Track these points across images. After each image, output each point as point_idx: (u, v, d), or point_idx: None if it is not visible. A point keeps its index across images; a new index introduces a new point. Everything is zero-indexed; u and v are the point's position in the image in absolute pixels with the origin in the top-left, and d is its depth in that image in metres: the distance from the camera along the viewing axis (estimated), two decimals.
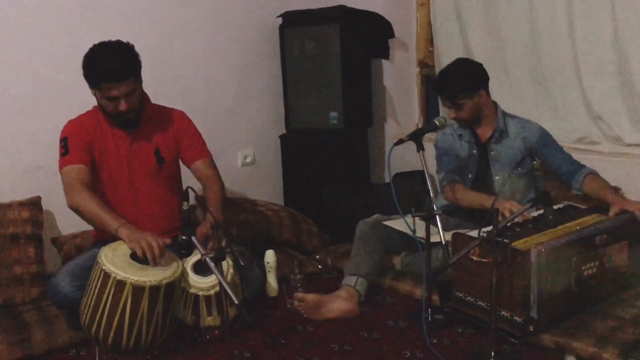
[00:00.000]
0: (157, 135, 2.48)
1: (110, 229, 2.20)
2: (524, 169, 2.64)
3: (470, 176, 2.70)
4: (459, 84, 2.55)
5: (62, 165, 2.35)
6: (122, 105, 2.27)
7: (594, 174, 2.56)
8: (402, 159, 3.19)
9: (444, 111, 3.38)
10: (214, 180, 2.53)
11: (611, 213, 2.35)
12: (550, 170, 2.67)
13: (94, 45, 2.29)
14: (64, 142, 2.36)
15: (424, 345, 2.11)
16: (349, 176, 3.48)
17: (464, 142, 2.70)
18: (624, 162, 2.80)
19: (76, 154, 2.34)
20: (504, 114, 2.70)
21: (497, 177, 2.65)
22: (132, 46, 2.31)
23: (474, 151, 2.69)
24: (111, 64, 2.21)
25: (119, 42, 2.30)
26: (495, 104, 2.69)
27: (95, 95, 2.32)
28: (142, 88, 2.38)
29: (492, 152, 2.65)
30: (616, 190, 2.64)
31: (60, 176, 2.36)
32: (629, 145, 2.87)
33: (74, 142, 2.35)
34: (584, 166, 2.60)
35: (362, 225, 2.66)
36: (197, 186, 2.54)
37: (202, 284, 2.26)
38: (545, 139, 2.65)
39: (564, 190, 2.68)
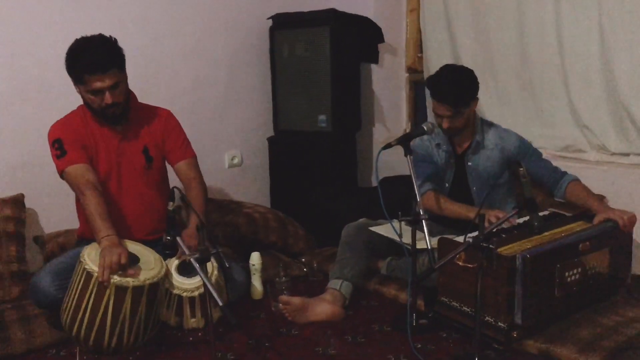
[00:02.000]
0: (145, 134, 2.47)
1: (96, 237, 2.18)
2: (502, 179, 2.63)
3: (447, 185, 2.70)
4: (466, 92, 2.50)
5: (62, 167, 2.31)
6: (107, 98, 2.25)
7: (576, 181, 2.57)
8: (389, 163, 3.19)
9: (431, 116, 3.39)
10: (196, 181, 2.51)
11: (596, 221, 2.37)
12: (532, 179, 2.66)
13: (76, 39, 2.27)
14: (58, 143, 2.32)
15: (409, 350, 2.11)
16: (336, 179, 3.48)
17: (442, 151, 2.69)
18: (609, 171, 2.83)
19: (75, 153, 2.31)
20: (483, 122, 2.68)
21: (474, 188, 2.65)
22: (115, 40, 2.30)
23: (451, 161, 2.68)
24: (94, 55, 2.20)
25: (101, 36, 2.29)
26: (475, 113, 2.67)
27: (80, 92, 2.30)
28: (127, 83, 2.36)
29: (469, 164, 2.64)
30: (600, 198, 2.66)
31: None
32: (614, 154, 2.90)
33: (70, 142, 2.32)
34: (565, 173, 2.61)
35: (348, 229, 2.65)
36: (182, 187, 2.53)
37: (186, 285, 2.24)
38: (524, 149, 2.64)
39: (550, 197, 2.70)
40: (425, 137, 2.66)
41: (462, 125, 2.57)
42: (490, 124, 2.72)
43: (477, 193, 2.65)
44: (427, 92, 2.90)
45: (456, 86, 2.50)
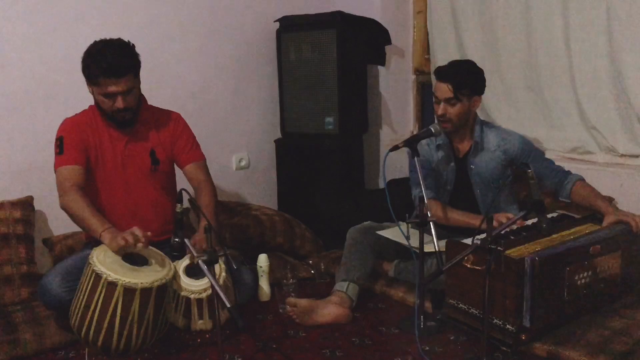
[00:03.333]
0: (153, 137, 2.48)
1: (94, 233, 2.19)
2: (504, 180, 2.61)
3: (449, 188, 2.68)
4: (469, 76, 2.52)
5: (56, 165, 2.34)
6: (119, 103, 2.27)
7: (581, 181, 2.54)
8: (396, 165, 3.20)
9: None
10: (206, 184, 2.52)
11: (605, 223, 2.34)
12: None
13: (95, 41, 2.29)
14: (60, 141, 2.35)
15: (416, 352, 2.11)
16: (343, 181, 3.48)
17: (442, 153, 2.66)
18: (618, 173, 2.81)
19: (71, 154, 2.33)
20: (483, 124, 2.65)
21: (477, 191, 2.63)
22: (133, 45, 2.32)
23: (452, 164, 2.66)
24: (111, 59, 2.22)
25: (120, 40, 2.31)
26: (475, 115, 2.65)
27: (92, 92, 2.32)
28: (140, 89, 2.38)
29: (471, 167, 2.62)
30: (609, 199, 2.64)
31: (53, 176, 2.35)
32: (623, 155, 2.88)
33: (70, 142, 2.34)
34: (569, 173, 2.58)
35: (353, 232, 2.65)
36: (191, 188, 2.54)
37: (194, 287, 2.24)
38: (528, 150, 2.61)
39: (556, 200, 2.68)
40: (424, 140, 2.64)
41: (457, 118, 2.53)
42: (491, 126, 2.70)
43: (480, 196, 2.63)
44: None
45: (460, 67, 2.55)
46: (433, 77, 2.63)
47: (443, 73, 2.53)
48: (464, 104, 2.52)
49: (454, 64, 2.59)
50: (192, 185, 2.52)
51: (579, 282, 2.17)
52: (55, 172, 2.35)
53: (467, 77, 2.51)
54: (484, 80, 2.58)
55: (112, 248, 2.12)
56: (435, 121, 2.60)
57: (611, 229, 2.32)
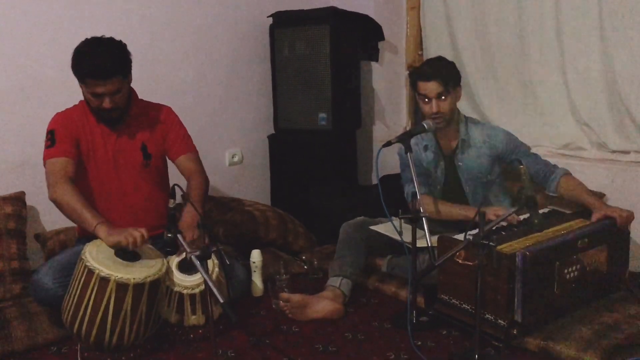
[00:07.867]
0: (144, 131, 2.47)
1: (88, 226, 2.17)
2: (493, 175, 2.63)
3: (439, 187, 2.69)
4: (453, 71, 2.55)
5: (46, 157, 2.32)
6: (106, 103, 2.26)
7: (568, 175, 2.55)
8: (390, 161, 3.20)
9: None
10: (198, 174, 2.51)
11: (594, 218, 2.36)
12: None
13: (86, 39, 2.27)
14: (51, 134, 2.34)
15: (409, 347, 2.12)
16: (336, 177, 3.48)
17: (430, 153, 2.67)
18: (609, 169, 2.83)
19: (62, 147, 2.31)
20: (467, 120, 2.66)
21: (467, 188, 2.65)
22: (124, 45, 2.29)
23: (441, 162, 2.67)
24: (99, 61, 2.19)
25: (110, 40, 2.28)
26: (458, 111, 2.66)
27: (82, 88, 2.31)
28: (129, 88, 2.37)
29: (459, 164, 2.63)
30: (600, 195, 2.66)
31: (44, 169, 2.34)
32: (614, 151, 2.90)
33: (61, 135, 2.33)
34: (556, 167, 2.59)
35: (346, 227, 2.66)
36: (184, 183, 2.53)
37: (186, 282, 2.24)
38: (513, 144, 2.62)
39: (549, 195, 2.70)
40: (412, 140, 2.64)
41: (450, 111, 2.53)
42: (476, 122, 2.71)
43: (470, 193, 2.64)
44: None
45: (444, 62, 2.57)
46: (411, 74, 2.63)
47: (429, 73, 2.52)
48: (452, 96, 2.54)
49: (434, 62, 2.60)
50: (184, 176, 2.51)
51: (568, 276, 2.19)
52: (44, 163, 2.33)
53: (451, 71, 2.55)
54: (458, 70, 2.61)
55: (108, 242, 2.12)
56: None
57: (598, 223, 2.34)
